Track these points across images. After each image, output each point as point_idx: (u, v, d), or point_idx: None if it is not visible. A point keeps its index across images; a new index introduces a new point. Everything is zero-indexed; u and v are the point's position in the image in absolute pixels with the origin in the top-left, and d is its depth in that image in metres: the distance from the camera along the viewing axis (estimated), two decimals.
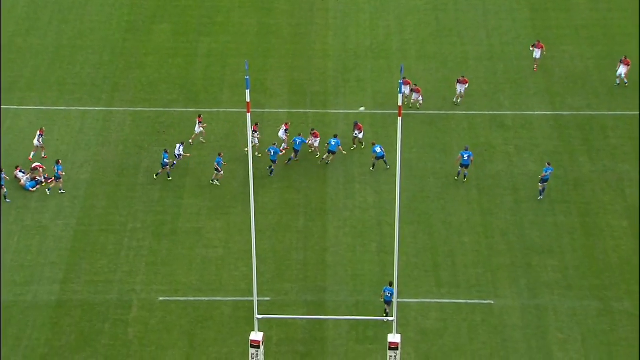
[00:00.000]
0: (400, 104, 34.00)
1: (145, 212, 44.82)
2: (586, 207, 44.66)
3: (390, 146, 47.84)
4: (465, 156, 45.52)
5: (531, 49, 52.12)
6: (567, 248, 42.70)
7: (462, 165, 45.75)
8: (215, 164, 46.05)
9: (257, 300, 36.19)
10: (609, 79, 51.57)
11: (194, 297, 41.18)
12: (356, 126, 47.95)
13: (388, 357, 36.27)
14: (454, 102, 50.35)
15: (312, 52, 55.06)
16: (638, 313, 39.92)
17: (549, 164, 45.45)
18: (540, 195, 45.06)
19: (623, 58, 50.34)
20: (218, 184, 46.30)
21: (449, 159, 47.55)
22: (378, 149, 46.59)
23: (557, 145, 48.06)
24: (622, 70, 50.02)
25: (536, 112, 49.86)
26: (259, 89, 52.11)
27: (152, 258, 42.83)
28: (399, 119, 34.00)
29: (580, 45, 54.14)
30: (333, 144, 46.78)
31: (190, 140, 48.31)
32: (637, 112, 49.40)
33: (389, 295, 39.35)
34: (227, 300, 41.01)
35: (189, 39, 56.09)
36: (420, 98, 49.92)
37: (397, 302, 36.27)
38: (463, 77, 50.22)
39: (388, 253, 42.69)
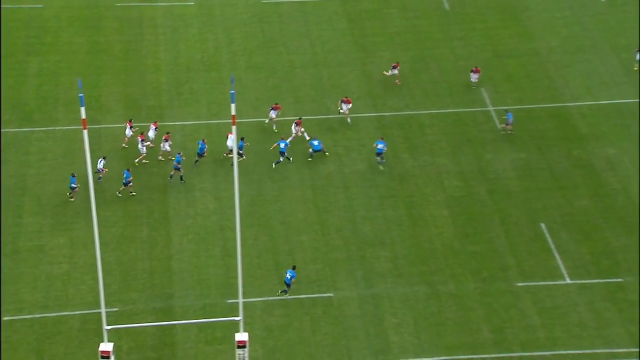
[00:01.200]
0: (233, 113, 34.04)
1: None
2: (411, 200, 45.74)
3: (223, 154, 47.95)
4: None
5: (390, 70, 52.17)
6: (397, 239, 43.65)
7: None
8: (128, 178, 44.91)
9: (105, 312, 35.37)
10: (423, 81, 53.14)
11: (40, 314, 39.76)
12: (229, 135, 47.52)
13: (237, 356, 36.25)
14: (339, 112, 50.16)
15: (145, 67, 54.27)
16: (461, 294, 41.21)
17: (381, 138, 47.02)
18: (381, 163, 46.35)
19: (474, 68, 51.51)
20: (134, 194, 45.19)
21: (284, 162, 47.94)
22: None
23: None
24: (474, 77, 51.35)
25: (361, 115, 50.92)
26: (94, 105, 50.88)
27: None
28: (233, 127, 34.10)
29: (395, 51, 55.68)
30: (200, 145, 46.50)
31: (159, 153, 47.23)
32: (451, 110, 51.07)
33: (289, 277, 40.07)
34: (75, 314, 39.86)
35: (18, 59, 54.10)
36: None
37: (243, 302, 36.30)
38: (346, 97, 49.78)
39: (231, 256, 42.59)
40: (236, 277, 38.33)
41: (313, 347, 39.27)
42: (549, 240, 43.49)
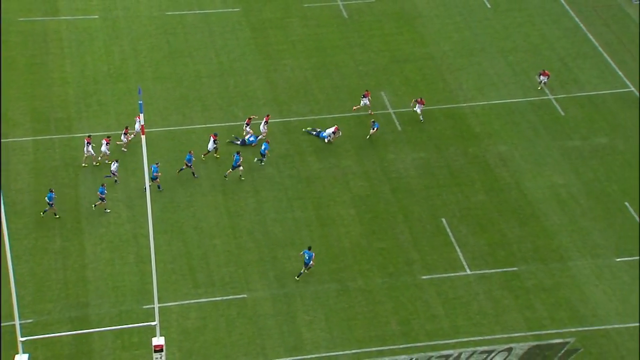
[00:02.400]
0: (142, 123, 33.37)
1: None
2: (319, 201, 45.75)
3: (137, 164, 46.94)
4: (263, 147, 46.23)
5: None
6: (306, 239, 43.59)
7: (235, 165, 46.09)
8: (99, 193, 43.43)
9: (19, 323, 34.14)
10: (325, 86, 53.20)
11: None
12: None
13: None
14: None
15: (51, 80, 52.75)
16: (369, 289, 41.46)
17: (267, 142, 47.16)
18: (259, 160, 46.55)
19: (419, 99, 50.29)
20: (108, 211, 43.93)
21: (195, 170, 47.42)
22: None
23: (289, 148, 49.00)
24: (418, 108, 49.91)
25: (270, 121, 50.41)
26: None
27: None
28: (143, 137, 33.40)
29: (298, 58, 55.59)
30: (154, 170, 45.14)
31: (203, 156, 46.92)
32: (354, 114, 51.25)
33: (308, 258, 40.53)
34: None
35: None
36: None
37: (158, 307, 35.64)
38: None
39: (146, 262, 41.83)
40: (151, 283, 37.64)
41: (229, 347, 38.90)
42: (450, 234, 44.13)
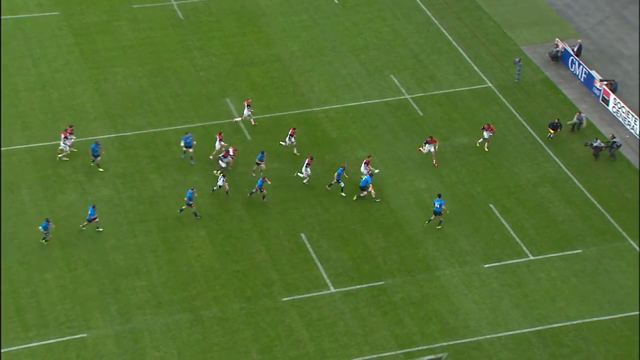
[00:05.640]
0: None
1: None
2: (164, 223, 45.34)
3: None
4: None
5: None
6: (153, 266, 43.12)
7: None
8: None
9: None
10: (164, 95, 52.80)
11: None
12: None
13: None
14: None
15: None
16: (226, 316, 41.15)
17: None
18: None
19: (429, 138, 48.79)
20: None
21: (8, 195, 45.86)
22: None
23: (127, 167, 48.34)
24: (431, 148, 48.34)
25: (99, 136, 49.54)
26: None
27: None
28: None
29: (130, 66, 54.88)
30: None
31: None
32: (197, 124, 51.04)
33: (439, 206, 44.19)
34: None
35: None
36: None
37: None
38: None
39: None
40: None
41: None
42: (310, 250, 44.46)
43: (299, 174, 47.12)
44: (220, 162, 47.33)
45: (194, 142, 48.39)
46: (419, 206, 47.18)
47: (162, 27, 57.84)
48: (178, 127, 51.00)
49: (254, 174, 47.37)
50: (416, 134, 51.43)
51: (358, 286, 42.78)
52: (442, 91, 54.50)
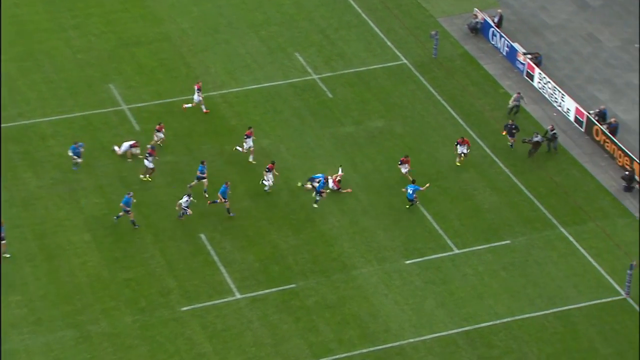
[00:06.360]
0: None
1: None
2: (42, 228, 43.87)
3: None
4: None
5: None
6: (29, 278, 41.61)
7: None
8: None
9: None
10: (37, 82, 51.05)
11: None
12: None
13: None
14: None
15: None
16: (117, 331, 39.60)
17: None
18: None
19: (460, 139, 47.53)
20: None
21: None
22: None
23: None
24: (465, 149, 47.30)
25: None
26: None
27: None
28: None
29: None
30: None
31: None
32: (77, 114, 49.03)
33: (411, 192, 44.95)
34: None
35: None
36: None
37: None
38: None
39: None
40: None
41: None
42: (211, 252, 43.46)
43: (263, 182, 45.90)
44: (145, 162, 45.93)
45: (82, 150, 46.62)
46: (331, 199, 45.97)
47: (29, 3, 56.25)
48: (54, 117, 49.65)
49: (190, 187, 45.47)
50: (326, 118, 50.74)
51: (267, 290, 41.85)
52: (352, 70, 53.76)
